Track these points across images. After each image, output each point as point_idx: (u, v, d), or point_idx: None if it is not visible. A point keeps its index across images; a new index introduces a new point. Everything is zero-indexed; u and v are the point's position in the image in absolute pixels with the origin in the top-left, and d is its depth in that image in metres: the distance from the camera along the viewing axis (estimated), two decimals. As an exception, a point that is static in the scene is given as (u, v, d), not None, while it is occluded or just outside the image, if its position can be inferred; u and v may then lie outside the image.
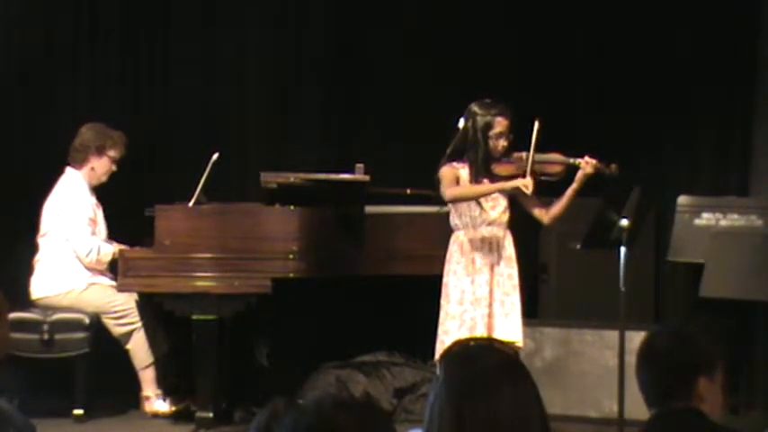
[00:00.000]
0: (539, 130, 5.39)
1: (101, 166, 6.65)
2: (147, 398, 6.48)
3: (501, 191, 5.45)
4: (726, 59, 7.15)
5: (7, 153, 7.27)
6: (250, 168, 7.18)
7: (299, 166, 6.68)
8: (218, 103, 7.54)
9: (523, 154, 5.46)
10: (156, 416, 6.44)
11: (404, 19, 7.56)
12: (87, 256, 6.52)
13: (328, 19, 7.62)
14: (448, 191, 5.44)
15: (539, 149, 5.44)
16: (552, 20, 7.40)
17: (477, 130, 5.44)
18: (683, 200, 6.65)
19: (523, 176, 5.39)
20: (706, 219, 6.56)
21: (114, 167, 6.68)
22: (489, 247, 5.48)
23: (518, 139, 5.48)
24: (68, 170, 6.65)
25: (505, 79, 7.04)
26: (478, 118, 5.44)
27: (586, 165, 5.44)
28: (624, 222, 5.50)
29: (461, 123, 5.49)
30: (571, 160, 5.51)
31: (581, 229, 5.68)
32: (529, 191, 5.37)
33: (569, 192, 5.46)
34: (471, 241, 5.49)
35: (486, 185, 5.45)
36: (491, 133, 5.44)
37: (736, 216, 6.53)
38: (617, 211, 5.51)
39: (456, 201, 5.47)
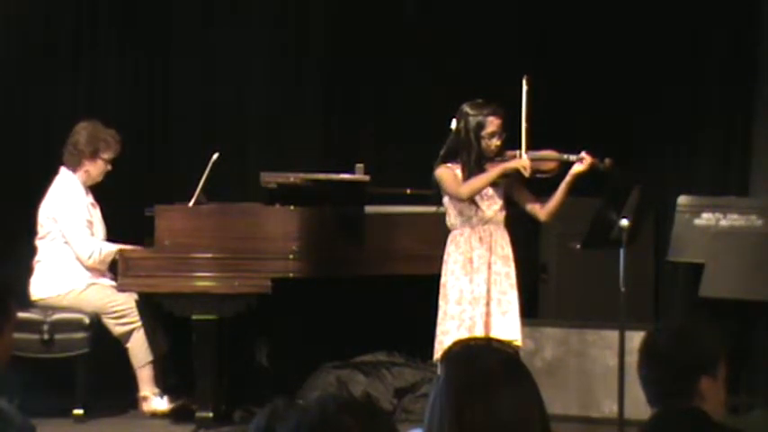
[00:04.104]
0: (528, 91, 5.41)
1: (95, 169, 6.63)
2: (145, 398, 6.47)
3: (503, 173, 5.45)
4: (726, 60, 7.15)
5: (7, 153, 7.26)
6: (250, 168, 7.18)
7: (299, 166, 6.68)
8: (218, 103, 7.54)
9: (517, 152, 5.47)
10: (154, 415, 6.44)
11: (404, 19, 7.56)
12: (89, 258, 6.51)
13: (328, 19, 7.62)
14: (461, 189, 5.43)
15: (533, 146, 5.46)
16: (552, 20, 7.40)
17: (470, 131, 5.44)
18: (683, 200, 6.65)
19: (507, 211, 5.44)
20: (706, 219, 6.57)
21: (109, 167, 6.67)
22: (486, 245, 5.48)
23: (513, 138, 5.49)
24: (63, 171, 6.63)
25: (505, 79, 7.04)
26: (470, 118, 5.45)
27: (582, 161, 5.45)
28: (624, 222, 5.51)
29: (453, 124, 5.50)
30: (565, 156, 5.52)
31: (581, 228, 5.68)
32: (527, 172, 5.39)
33: (563, 186, 5.47)
34: (468, 240, 5.49)
35: (489, 172, 5.44)
36: (483, 133, 5.45)
37: (736, 216, 6.53)
38: (617, 211, 5.52)
39: (473, 195, 5.45)
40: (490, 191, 5.50)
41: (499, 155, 5.49)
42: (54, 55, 7.44)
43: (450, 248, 5.53)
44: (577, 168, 5.46)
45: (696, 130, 7.35)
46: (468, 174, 5.44)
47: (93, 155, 6.60)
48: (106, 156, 6.63)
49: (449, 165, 5.49)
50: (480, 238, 5.49)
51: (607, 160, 5.51)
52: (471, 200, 5.47)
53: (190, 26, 7.57)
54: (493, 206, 5.51)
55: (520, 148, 5.45)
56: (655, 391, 2.98)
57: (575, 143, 5.69)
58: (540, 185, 5.58)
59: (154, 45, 7.56)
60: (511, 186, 5.54)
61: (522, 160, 5.42)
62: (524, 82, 5.44)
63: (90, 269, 6.54)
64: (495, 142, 5.46)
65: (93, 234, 6.60)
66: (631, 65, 7.32)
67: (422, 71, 7.42)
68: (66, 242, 6.53)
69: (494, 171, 5.44)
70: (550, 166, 5.53)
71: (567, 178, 5.46)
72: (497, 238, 5.51)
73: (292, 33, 7.61)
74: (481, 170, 5.47)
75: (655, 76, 7.30)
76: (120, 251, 6.33)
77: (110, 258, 6.50)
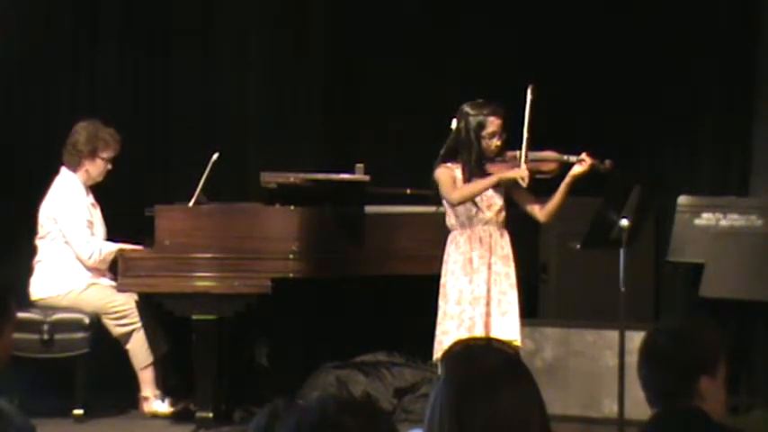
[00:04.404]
0: (533, 100, 5.40)
1: (95, 169, 6.62)
2: (146, 398, 6.48)
3: (499, 182, 5.45)
4: (726, 60, 7.15)
5: (7, 153, 7.26)
6: (250, 168, 7.18)
7: (299, 166, 6.68)
8: (218, 103, 7.54)
9: (517, 152, 5.46)
10: (155, 416, 6.44)
11: (404, 19, 7.56)
12: (89, 258, 6.51)
13: (328, 18, 7.62)
14: (453, 194, 5.45)
15: (533, 147, 5.45)
16: (552, 20, 7.40)
17: (470, 131, 5.44)
18: (683, 200, 6.65)
19: (518, 167, 5.41)
20: (706, 219, 6.57)
21: (109, 166, 6.66)
22: (486, 246, 5.48)
23: (513, 139, 5.49)
24: (63, 171, 6.63)
25: (505, 79, 7.04)
26: (471, 118, 5.45)
27: (582, 162, 5.45)
28: (624, 222, 5.50)
29: (454, 124, 5.50)
30: (565, 157, 5.52)
31: (581, 228, 5.68)
32: (525, 183, 5.39)
33: (562, 187, 5.46)
34: (468, 241, 5.49)
35: (486, 179, 5.44)
36: (484, 133, 5.45)
37: (736, 216, 6.54)
38: (617, 211, 5.51)
39: (464, 201, 5.47)
40: (490, 191, 5.50)
41: (499, 155, 5.49)
42: (54, 55, 7.44)
43: (450, 249, 5.53)
44: (577, 170, 5.46)
45: (696, 130, 7.34)
46: (469, 173, 5.44)
47: (92, 154, 6.59)
48: (105, 155, 6.62)
49: (448, 165, 5.49)
50: (480, 239, 5.49)
51: (607, 162, 5.51)
52: (471, 201, 5.47)
53: (190, 26, 7.57)
54: (493, 207, 5.51)
55: (520, 158, 5.43)
56: (655, 390, 2.98)
57: (575, 143, 5.69)
58: (540, 186, 5.57)
59: (154, 45, 7.55)
60: (511, 187, 5.54)
61: (521, 170, 5.40)
62: (529, 91, 5.42)
63: (90, 269, 6.54)
64: (496, 142, 5.46)
65: (93, 234, 6.59)
66: (631, 65, 7.32)
67: (422, 71, 7.42)
68: (66, 242, 6.53)
69: (489, 179, 5.44)
70: (551, 166, 5.53)
71: (567, 179, 5.46)
72: (497, 238, 5.51)
73: (292, 33, 7.60)
74: (481, 170, 5.46)
75: (655, 76, 7.30)
76: (120, 251, 6.33)
77: (110, 258, 6.50)
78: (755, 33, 7.02)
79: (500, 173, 5.44)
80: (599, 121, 7.25)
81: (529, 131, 5.42)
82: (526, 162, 5.41)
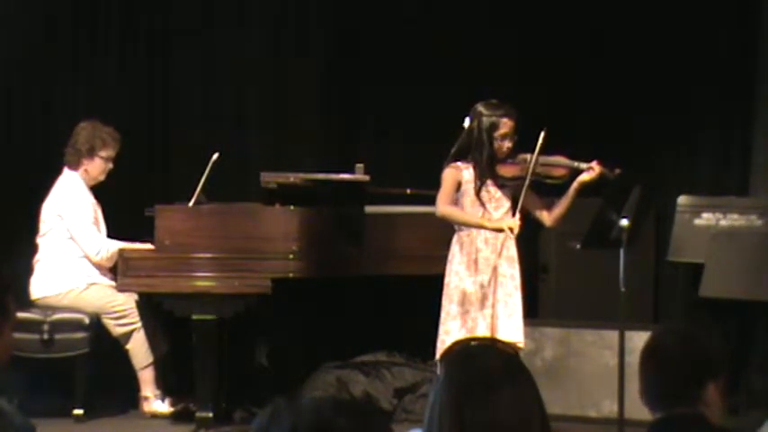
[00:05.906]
0: (542, 144, 5.39)
1: (94, 168, 6.62)
2: (146, 398, 6.48)
3: (483, 227, 5.45)
4: (726, 59, 7.15)
5: (7, 153, 7.26)
6: (250, 168, 7.18)
7: (299, 166, 6.68)
8: (218, 103, 7.54)
9: (528, 155, 5.46)
10: (155, 416, 6.44)
11: (404, 19, 7.56)
12: (97, 255, 6.50)
13: (328, 19, 7.62)
14: (441, 207, 5.49)
15: (542, 152, 5.44)
16: (552, 20, 7.39)
17: (483, 131, 5.44)
18: (683, 200, 6.65)
19: (513, 214, 5.42)
20: (706, 219, 6.57)
21: (110, 165, 6.65)
22: (492, 247, 5.48)
23: (519, 140, 5.49)
24: (66, 171, 6.63)
25: (505, 79, 7.04)
26: (484, 118, 5.44)
27: (591, 170, 5.45)
28: (624, 222, 5.50)
29: (467, 123, 5.49)
30: (575, 164, 5.52)
31: (581, 229, 5.68)
32: (513, 235, 5.39)
33: (570, 193, 5.47)
34: (474, 242, 5.49)
35: (475, 219, 5.47)
36: (496, 134, 5.44)
37: (736, 216, 6.53)
38: (617, 211, 5.51)
39: (444, 219, 5.49)
40: (498, 193, 5.50)
41: (510, 156, 5.49)
42: (54, 55, 7.44)
43: (455, 249, 5.52)
44: (585, 177, 5.45)
45: (696, 130, 7.35)
46: (480, 173, 5.44)
47: (91, 153, 6.59)
48: (104, 153, 6.62)
49: (459, 164, 5.49)
50: (486, 240, 5.48)
51: (617, 170, 5.50)
52: (479, 202, 5.47)
53: (190, 26, 7.56)
54: (500, 209, 5.51)
55: (516, 204, 5.42)
56: (659, 394, 2.96)
57: (575, 143, 5.69)
58: (543, 187, 5.57)
59: (154, 45, 7.55)
60: (518, 190, 5.52)
61: (512, 221, 5.41)
62: (541, 136, 5.39)
63: (95, 266, 6.53)
64: (507, 144, 5.46)
65: (99, 232, 6.61)
66: (631, 65, 7.31)
67: (422, 71, 7.41)
68: (69, 238, 6.52)
69: (476, 220, 5.46)
70: (560, 172, 5.53)
71: (575, 185, 5.46)
72: (503, 239, 5.49)
73: (292, 33, 7.60)
74: (492, 171, 5.46)
75: (655, 75, 7.30)
76: (121, 251, 6.32)
77: (116, 256, 6.44)
78: (755, 33, 7.02)
79: (487, 220, 5.45)
80: (599, 121, 7.25)
81: (532, 174, 5.41)
82: (521, 211, 5.42)
